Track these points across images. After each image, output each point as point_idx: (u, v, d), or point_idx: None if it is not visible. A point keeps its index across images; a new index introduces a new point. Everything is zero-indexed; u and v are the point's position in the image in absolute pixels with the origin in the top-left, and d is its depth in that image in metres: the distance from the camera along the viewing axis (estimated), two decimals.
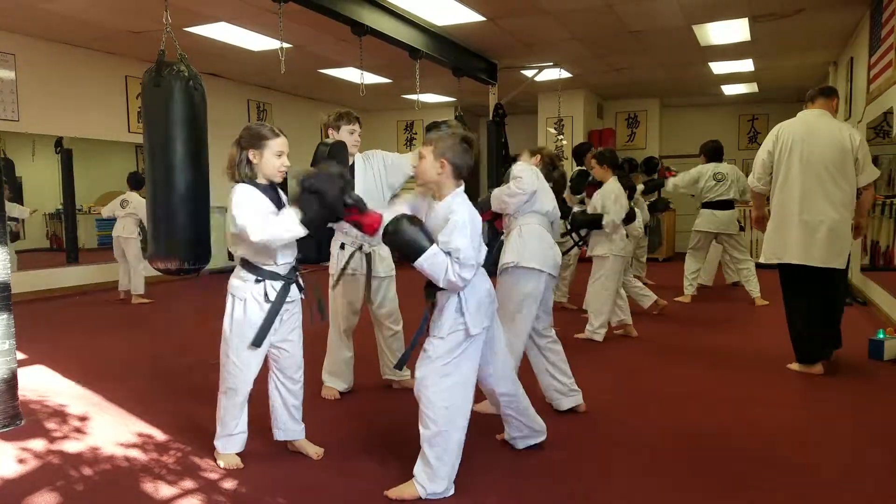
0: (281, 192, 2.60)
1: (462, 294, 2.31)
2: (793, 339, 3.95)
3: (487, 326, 2.37)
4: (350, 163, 3.37)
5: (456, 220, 2.24)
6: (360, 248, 3.41)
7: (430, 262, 2.22)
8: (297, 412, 2.72)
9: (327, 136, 3.41)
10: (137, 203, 6.62)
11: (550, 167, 3.31)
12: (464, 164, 2.32)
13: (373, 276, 3.44)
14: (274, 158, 2.49)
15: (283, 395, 2.68)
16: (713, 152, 6.40)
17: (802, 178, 3.71)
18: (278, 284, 2.52)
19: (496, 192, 3.10)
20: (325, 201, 2.37)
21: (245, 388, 2.58)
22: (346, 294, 3.46)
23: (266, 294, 2.49)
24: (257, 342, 2.49)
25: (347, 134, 3.38)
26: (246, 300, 2.50)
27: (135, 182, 6.87)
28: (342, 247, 3.41)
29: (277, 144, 2.50)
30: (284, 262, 2.53)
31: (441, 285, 2.26)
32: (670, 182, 6.57)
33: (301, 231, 2.38)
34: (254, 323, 2.49)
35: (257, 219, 2.36)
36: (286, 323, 2.61)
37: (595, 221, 4.66)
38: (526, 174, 3.00)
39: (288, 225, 2.36)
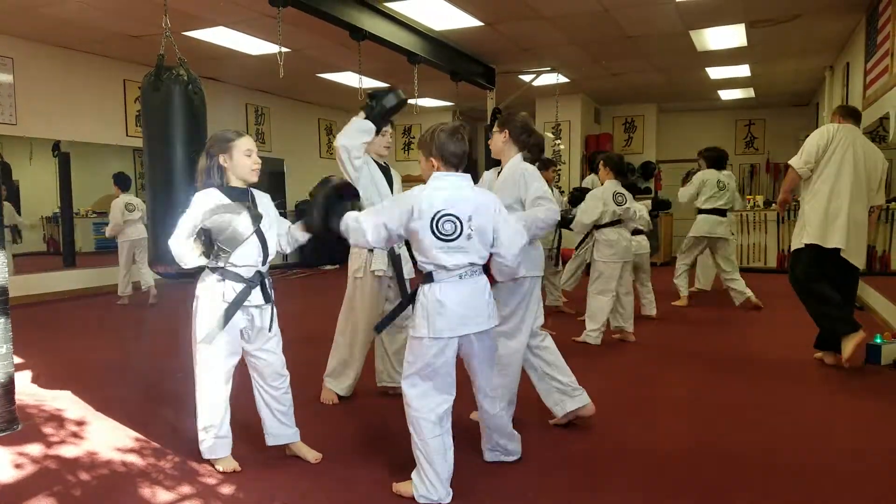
0: (256, 195, 2.60)
1: (423, 294, 2.29)
2: (827, 321, 4.03)
3: (458, 337, 2.28)
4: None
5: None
6: (392, 249, 3.37)
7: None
8: (285, 417, 2.69)
9: None
10: (139, 204, 6.63)
11: (524, 133, 3.05)
12: (450, 153, 2.34)
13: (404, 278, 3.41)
14: (244, 158, 2.51)
15: (268, 402, 2.67)
16: (717, 161, 6.32)
17: (853, 178, 3.96)
18: (239, 287, 2.51)
19: (528, 221, 2.83)
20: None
21: (213, 390, 2.55)
22: (374, 296, 3.41)
23: (224, 295, 2.48)
24: (207, 339, 2.48)
25: (379, 136, 3.34)
26: (208, 301, 2.50)
27: (124, 182, 6.81)
28: (371, 249, 3.36)
29: (244, 143, 2.53)
30: (244, 264, 2.50)
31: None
32: (684, 194, 6.40)
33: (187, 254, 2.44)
34: (211, 324, 2.49)
35: (182, 231, 2.42)
36: (260, 331, 2.59)
37: (567, 220, 4.70)
38: (547, 199, 2.87)
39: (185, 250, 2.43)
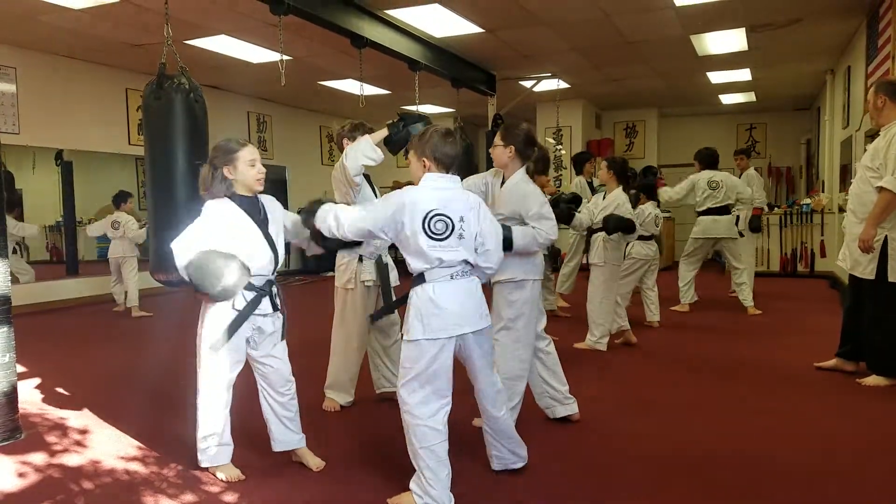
0: (262, 200, 2.62)
1: (416, 295, 2.28)
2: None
3: (455, 337, 2.28)
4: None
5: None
6: (379, 258, 3.38)
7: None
8: (291, 423, 2.70)
9: (341, 148, 3.37)
10: (126, 222, 6.67)
11: (528, 147, 3.07)
12: (443, 154, 2.35)
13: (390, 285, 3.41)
14: (248, 168, 2.52)
15: (275, 409, 2.67)
16: (709, 159, 6.28)
17: None
18: (249, 295, 2.51)
19: (525, 236, 2.86)
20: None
21: (216, 398, 2.55)
22: (364, 306, 3.42)
23: (234, 303, 2.49)
24: (215, 346, 2.48)
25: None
26: (217, 309, 2.50)
27: (117, 200, 6.87)
28: (360, 259, 3.37)
29: (247, 154, 2.54)
30: (257, 273, 2.51)
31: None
32: (664, 193, 6.28)
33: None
34: (218, 333, 2.49)
35: (186, 236, 2.44)
36: (267, 338, 2.60)
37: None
38: (546, 217, 2.91)
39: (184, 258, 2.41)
